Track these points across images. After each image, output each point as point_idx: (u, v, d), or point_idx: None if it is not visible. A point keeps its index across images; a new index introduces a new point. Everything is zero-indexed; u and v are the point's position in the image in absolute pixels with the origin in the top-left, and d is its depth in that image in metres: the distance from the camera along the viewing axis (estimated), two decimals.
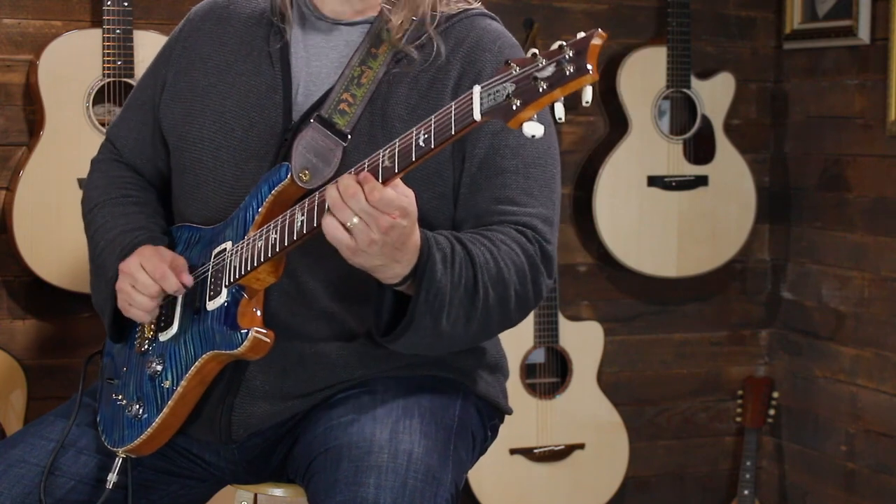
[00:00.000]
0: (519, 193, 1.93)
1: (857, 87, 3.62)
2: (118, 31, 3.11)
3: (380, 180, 1.69)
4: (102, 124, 3.11)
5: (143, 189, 2.14)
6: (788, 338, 3.92)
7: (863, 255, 3.63)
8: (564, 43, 1.56)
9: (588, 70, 1.53)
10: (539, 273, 1.92)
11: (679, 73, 3.66)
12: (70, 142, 3.11)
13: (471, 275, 1.83)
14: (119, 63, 3.11)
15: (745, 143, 3.85)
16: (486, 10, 2.05)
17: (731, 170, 3.75)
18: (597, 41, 1.54)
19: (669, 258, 3.73)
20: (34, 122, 3.19)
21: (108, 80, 3.12)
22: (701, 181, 3.73)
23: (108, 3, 3.09)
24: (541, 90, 1.56)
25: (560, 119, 1.58)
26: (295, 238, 1.79)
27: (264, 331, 1.86)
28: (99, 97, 3.14)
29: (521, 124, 1.59)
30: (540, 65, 1.57)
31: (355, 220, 1.70)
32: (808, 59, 3.79)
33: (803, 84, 3.82)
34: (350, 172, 1.73)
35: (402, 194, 1.71)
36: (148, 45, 3.10)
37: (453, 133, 1.63)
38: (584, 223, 3.72)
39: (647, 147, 3.67)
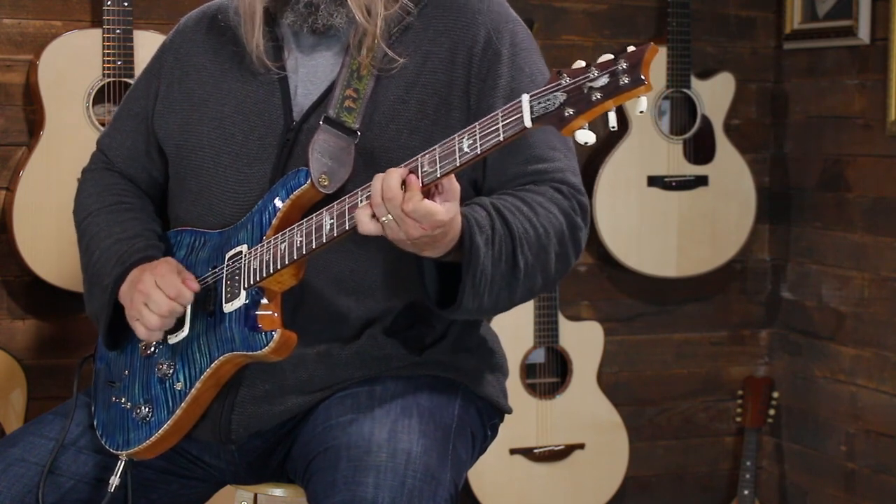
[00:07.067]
0: (545, 149, 1.95)
1: (857, 87, 3.62)
2: (118, 31, 3.11)
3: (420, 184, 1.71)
4: (102, 124, 3.10)
5: (138, 196, 2.13)
6: (788, 338, 3.92)
7: (863, 255, 3.63)
8: (614, 55, 1.61)
9: (643, 81, 1.58)
10: (577, 229, 1.94)
11: (679, 73, 3.65)
12: (70, 142, 3.11)
13: (510, 250, 1.84)
14: (119, 63, 3.12)
15: (745, 143, 3.85)
16: None
17: (731, 170, 3.75)
18: (650, 54, 1.58)
19: (669, 258, 3.73)
20: (34, 122, 3.19)
21: (108, 80, 3.12)
22: (701, 181, 3.72)
23: (108, 3, 3.09)
24: (594, 99, 1.61)
25: (613, 127, 1.62)
26: (324, 241, 1.80)
27: (289, 332, 1.87)
28: (99, 97, 3.14)
29: (574, 132, 1.62)
30: (592, 75, 1.61)
31: (388, 217, 1.72)
32: (808, 59, 3.79)
33: (803, 84, 3.82)
34: (401, 167, 1.73)
35: (439, 210, 1.71)
36: (148, 45, 3.10)
37: (502, 139, 1.66)
38: None
39: (647, 147, 3.67)
